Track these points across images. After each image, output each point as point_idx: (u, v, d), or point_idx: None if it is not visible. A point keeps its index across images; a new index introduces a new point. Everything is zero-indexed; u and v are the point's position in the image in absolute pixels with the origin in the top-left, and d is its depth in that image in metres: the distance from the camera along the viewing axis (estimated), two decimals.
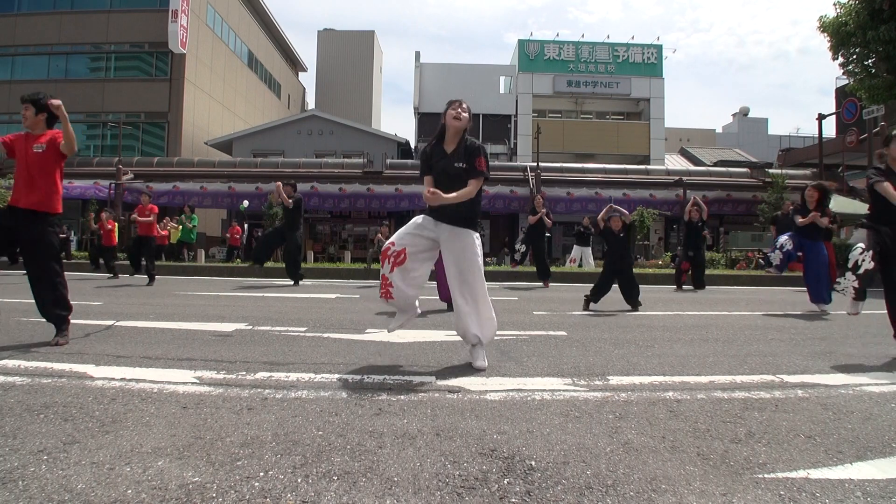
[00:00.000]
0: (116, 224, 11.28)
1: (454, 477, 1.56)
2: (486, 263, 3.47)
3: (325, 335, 3.95)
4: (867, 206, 3.83)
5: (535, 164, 20.92)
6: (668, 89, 77.25)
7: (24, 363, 2.90)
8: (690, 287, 9.32)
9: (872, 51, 13.87)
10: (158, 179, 21.01)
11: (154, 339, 3.68)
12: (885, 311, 3.58)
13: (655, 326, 4.69)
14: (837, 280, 3.74)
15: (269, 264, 13.53)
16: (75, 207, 21.27)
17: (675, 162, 30.02)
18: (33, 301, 3.48)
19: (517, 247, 10.51)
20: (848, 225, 13.61)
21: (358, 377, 2.69)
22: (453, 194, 2.84)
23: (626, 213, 6.20)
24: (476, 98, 27.47)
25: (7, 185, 15.20)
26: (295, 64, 43.88)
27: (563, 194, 20.77)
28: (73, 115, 24.39)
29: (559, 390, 2.52)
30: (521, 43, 28.58)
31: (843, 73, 16.33)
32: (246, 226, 18.51)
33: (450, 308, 4.55)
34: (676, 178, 21.50)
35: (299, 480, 1.51)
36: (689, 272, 9.35)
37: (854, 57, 14.79)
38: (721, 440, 1.89)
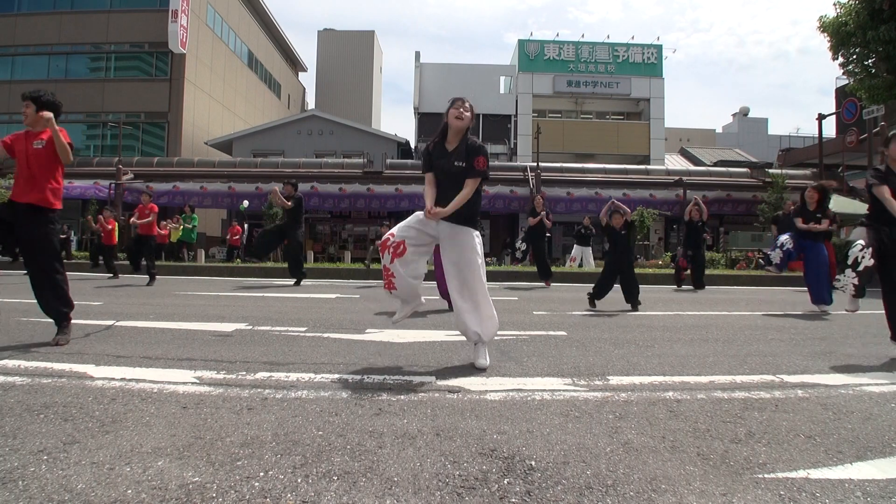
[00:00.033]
0: (117, 224, 11.26)
1: (454, 477, 1.56)
2: (486, 263, 3.46)
3: (325, 335, 3.95)
4: (867, 205, 3.83)
5: (535, 164, 20.93)
6: (668, 89, 77.35)
7: (24, 363, 2.89)
8: (690, 287, 9.32)
9: (872, 51, 13.87)
10: (158, 179, 21.02)
11: (154, 339, 3.68)
12: (884, 311, 3.58)
13: (655, 326, 4.69)
14: (837, 277, 3.73)
15: (269, 264, 13.54)
16: (75, 207, 21.28)
17: (675, 162, 30.03)
18: (33, 301, 3.48)
19: (518, 245, 10.54)
20: (848, 225, 13.61)
21: (358, 377, 2.69)
22: (451, 204, 2.86)
23: (627, 210, 6.21)
24: (476, 98, 27.03)
25: (7, 185, 15.21)
26: (295, 64, 43.89)
27: (563, 194, 20.77)
28: (73, 115, 24.54)
29: (559, 390, 2.52)
30: (521, 43, 28.59)
31: (843, 73, 16.33)
32: (246, 226, 18.51)
33: (450, 306, 4.55)
34: (676, 178, 21.51)
35: (299, 480, 1.51)
36: (688, 271, 9.36)
37: (854, 57, 14.79)
38: (721, 440, 1.89)
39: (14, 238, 3.44)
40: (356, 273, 11.17)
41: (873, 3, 13.17)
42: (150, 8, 25.64)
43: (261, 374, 2.73)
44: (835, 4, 14.53)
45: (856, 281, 3.56)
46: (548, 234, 9.67)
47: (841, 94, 23.15)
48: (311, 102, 46.12)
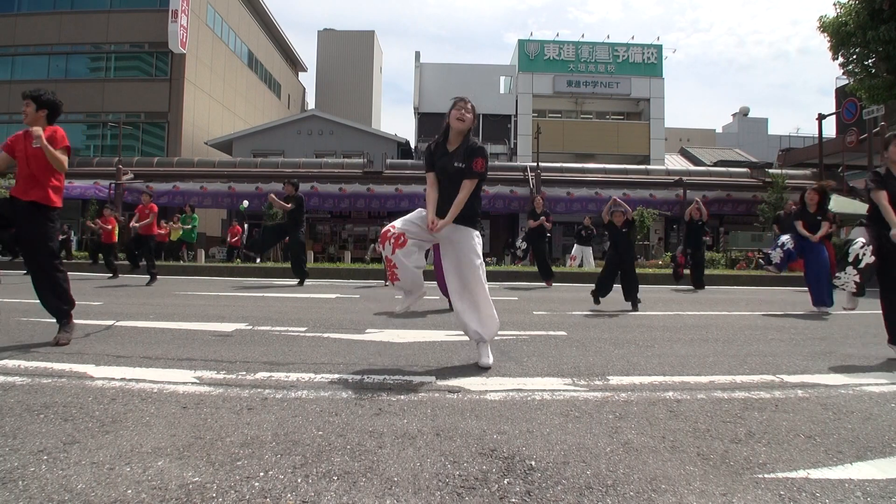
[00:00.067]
0: (117, 223, 11.26)
1: (454, 477, 1.56)
2: (486, 263, 3.47)
3: (325, 335, 3.95)
4: (867, 206, 3.82)
5: (535, 164, 20.93)
6: (668, 89, 77.34)
7: (24, 363, 2.89)
8: (690, 287, 9.33)
9: (872, 51, 13.88)
10: (158, 179, 21.02)
11: (154, 339, 3.68)
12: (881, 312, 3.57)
13: (655, 326, 4.69)
14: (837, 275, 3.70)
15: (268, 264, 13.54)
16: (75, 207, 21.28)
17: (675, 162, 30.03)
18: (33, 301, 3.48)
19: (518, 244, 10.56)
20: (848, 225, 13.61)
21: (358, 377, 2.69)
22: (450, 211, 2.88)
23: (628, 208, 6.24)
24: (476, 98, 26.89)
25: (7, 185, 15.21)
26: (295, 64, 43.89)
27: (563, 194, 20.78)
28: (73, 115, 24.54)
29: (559, 390, 2.52)
30: (521, 43, 28.59)
31: (843, 73, 16.34)
32: (246, 226, 18.52)
33: (451, 305, 4.55)
34: (676, 178, 21.51)
35: (299, 480, 1.51)
36: (687, 270, 9.40)
37: (854, 57, 14.80)
38: (721, 440, 1.89)
39: (12, 234, 3.44)
40: (356, 273, 11.17)
41: (873, 3, 13.17)
42: (150, 8, 25.65)
43: (261, 374, 2.73)
44: (835, 4, 14.54)
45: (857, 278, 3.55)
46: (548, 235, 9.70)
47: (841, 94, 23.15)
48: (311, 102, 46.14)
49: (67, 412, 2.07)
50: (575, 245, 15.00)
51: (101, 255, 10.94)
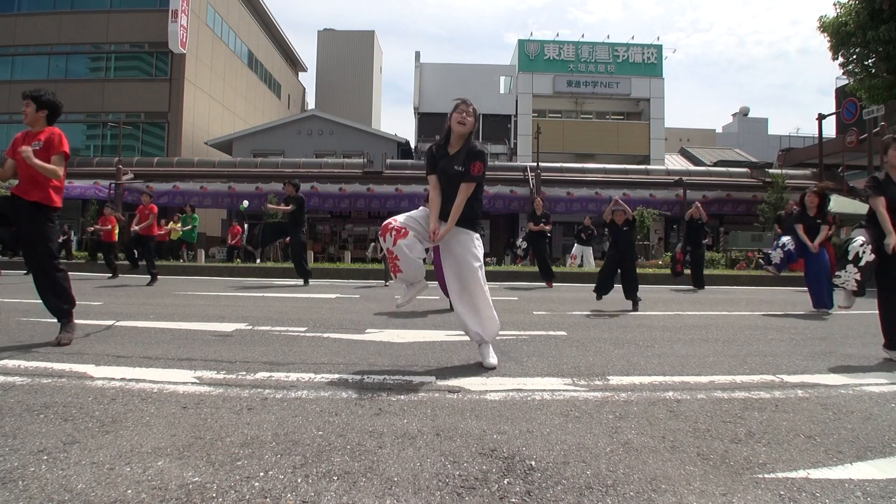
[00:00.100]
0: (117, 222, 11.26)
1: (454, 477, 1.56)
2: (486, 263, 3.47)
3: (325, 335, 3.95)
4: (867, 207, 3.82)
5: (535, 164, 20.93)
6: (668, 89, 77.33)
7: (24, 363, 2.89)
8: (690, 287, 9.34)
9: (872, 51, 13.88)
10: (158, 179, 21.02)
11: (154, 339, 3.68)
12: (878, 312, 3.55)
13: (655, 326, 4.70)
14: (837, 273, 3.68)
15: (268, 264, 13.54)
16: (75, 207, 21.28)
17: (675, 162, 30.03)
18: (33, 301, 3.49)
19: (518, 244, 10.59)
20: (848, 225, 13.60)
21: (358, 377, 2.69)
22: (450, 218, 2.89)
23: (629, 209, 6.29)
24: (476, 98, 26.74)
25: (8, 185, 15.20)
26: (295, 64, 43.89)
27: (563, 194, 20.78)
28: (73, 115, 24.53)
29: (559, 390, 2.52)
30: (521, 43, 28.58)
31: (843, 73, 16.34)
32: (246, 226, 18.51)
33: (452, 305, 4.56)
34: (676, 178, 21.50)
35: (299, 480, 1.51)
36: (687, 270, 9.44)
37: (854, 57, 14.80)
38: (721, 440, 1.89)
39: (12, 232, 3.44)
40: (356, 273, 11.17)
41: (873, 3, 13.17)
42: (150, 8, 25.64)
43: (261, 374, 2.73)
44: (835, 4, 14.54)
45: (858, 276, 3.53)
46: (548, 236, 9.75)
47: (841, 94, 23.15)
48: (311, 102, 46.13)
49: (67, 412, 2.07)
50: (575, 244, 15.03)
51: (100, 254, 10.93)
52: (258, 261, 16.02)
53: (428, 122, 28.05)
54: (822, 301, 6.05)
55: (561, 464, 1.66)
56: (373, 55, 48.37)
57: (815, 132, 19.65)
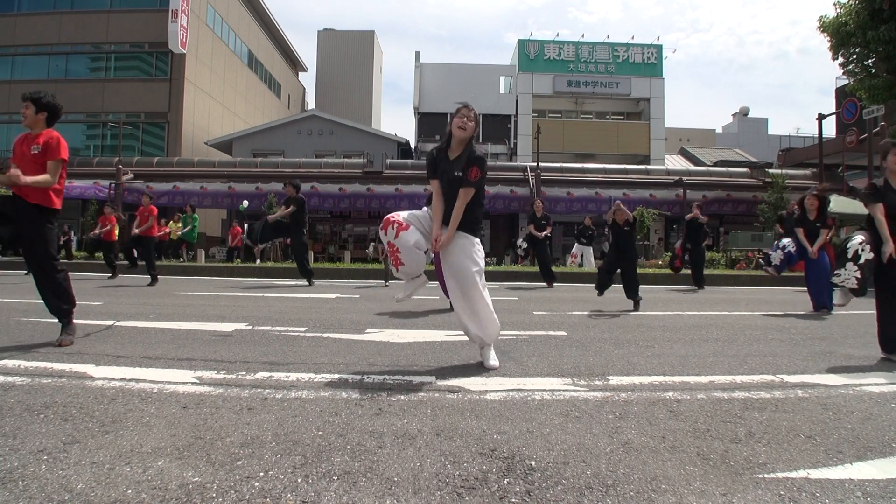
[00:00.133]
0: (117, 222, 11.26)
1: (454, 477, 1.56)
2: (486, 263, 3.46)
3: (325, 335, 3.95)
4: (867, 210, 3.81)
5: (535, 164, 20.92)
6: (668, 89, 77.42)
7: (24, 363, 2.89)
8: (691, 287, 9.34)
9: (872, 51, 13.88)
10: (158, 179, 21.01)
11: (154, 339, 3.68)
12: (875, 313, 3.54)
13: (655, 326, 4.69)
14: (836, 272, 3.66)
15: (269, 264, 13.54)
16: (75, 207, 21.28)
17: (675, 162, 30.02)
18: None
19: (519, 243, 10.64)
20: (848, 225, 13.61)
21: (358, 377, 2.69)
22: (451, 224, 2.90)
23: (629, 213, 6.36)
24: (476, 98, 27.43)
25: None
26: (295, 64, 43.88)
27: (563, 194, 20.78)
28: (73, 115, 24.51)
29: (559, 390, 2.52)
30: (521, 43, 28.58)
31: (843, 73, 16.34)
32: (246, 226, 18.51)
33: (452, 305, 4.56)
34: (676, 178, 21.49)
35: (299, 480, 1.51)
36: (685, 266, 9.52)
37: (854, 57, 14.80)
38: (721, 440, 1.89)
39: (11, 232, 3.44)
40: (356, 273, 11.17)
41: (873, 3, 13.17)
42: (150, 8, 25.63)
43: (261, 374, 2.73)
44: (835, 4, 14.54)
45: (858, 274, 3.51)
46: (548, 239, 9.80)
47: (841, 94, 23.13)
48: (311, 102, 46.12)
49: (67, 412, 2.07)
50: (576, 244, 15.05)
51: (98, 253, 10.92)
52: (258, 261, 16.02)
53: (428, 122, 28.06)
54: (823, 302, 6.05)
55: (561, 464, 1.66)
56: (373, 55, 48.36)
57: (815, 132, 19.64)
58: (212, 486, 1.46)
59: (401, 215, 2.97)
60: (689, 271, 9.58)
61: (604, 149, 27.83)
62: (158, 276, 8.90)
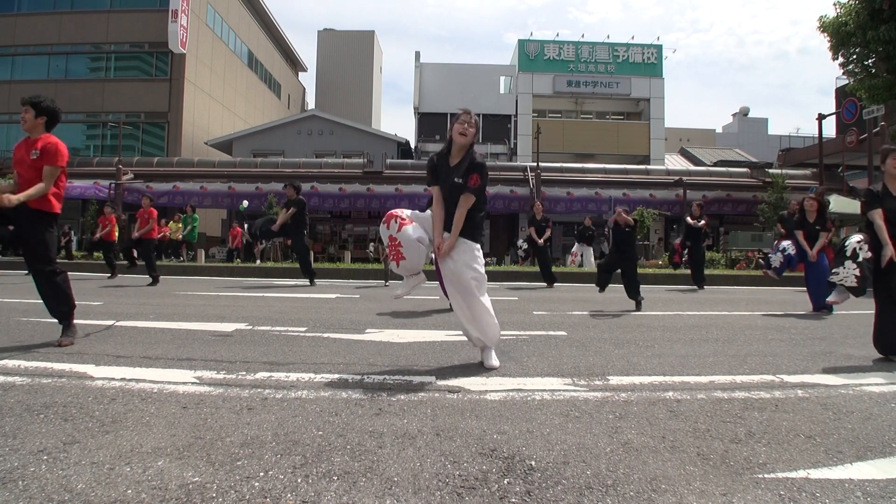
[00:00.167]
0: (117, 222, 11.26)
1: (454, 477, 1.56)
2: (486, 263, 3.46)
3: (325, 335, 3.95)
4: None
5: (535, 164, 20.92)
6: (668, 89, 77.43)
7: (24, 363, 2.90)
8: (691, 287, 9.34)
9: (872, 51, 13.87)
10: (158, 179, 21.01)
11: (154, 339, 3.68)
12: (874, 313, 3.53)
13: (655, 326, 4.70)
14: (835, 270, 3.65)
15: (269, 264, 13.54)
16: (75, 207, 21.28)
17: (675, 162, 30.02)
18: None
19: (519, 244, 10.66)
20: (848, 225, 13.61)
21: (358, 377, 2.69)
22: (452, 231, 2.90)
23: (630, 219, 6.42)
24: (476, 98, 27.49)
25: (7, 184, 15.18)
26: (295, 64, 43.88)
27: (563, 194, 20.77)
28: (73, 115, 24.51)
29: (559, 390, 2.52)
30: (521, 43, 28.58)
31: (843, 73, 16.33)
32: (245, 226, 18.52)
33: (452, 306, 4.57)
34: (676, 178, 21.50)
35: (299, 480, 1.51)
36: (684, 265, 9.54)
37: (854, 57, 14.79)
38: (721, 440, 1.89)
39: (11, 233, 3.44)
40: (356, 273, 11.17)
41: (873, 3, 13.16)
42: (150, 8, 25.63)
43: (261, 374, 2.73)
44: (835, 4, 14.53)
45: (857, 272, 3.51)
46: (549, 241, 9.84)
47: (841, 94, 23.13)
48: (311, 102, 46.12)
49: (67, 412, 2.07)
50: (576, 243, 15.06)
51: (96, 254, 10.92)
52: (258, 261, 16.03)
53: (428, 122, 28.06)
54: (822, 303, 6.05)
55: (561, 464, 1.66)
56: (373, 55, 48.36)
57: (815, 132, 19.64)
58: (212, 486, 1.46)
59: (404, 212, 2.98)
60: (688, 271, 9.58)
61: (604, 149, 27.84)
62: (159, 278, 8.89)
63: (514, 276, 11.06)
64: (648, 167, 24.30)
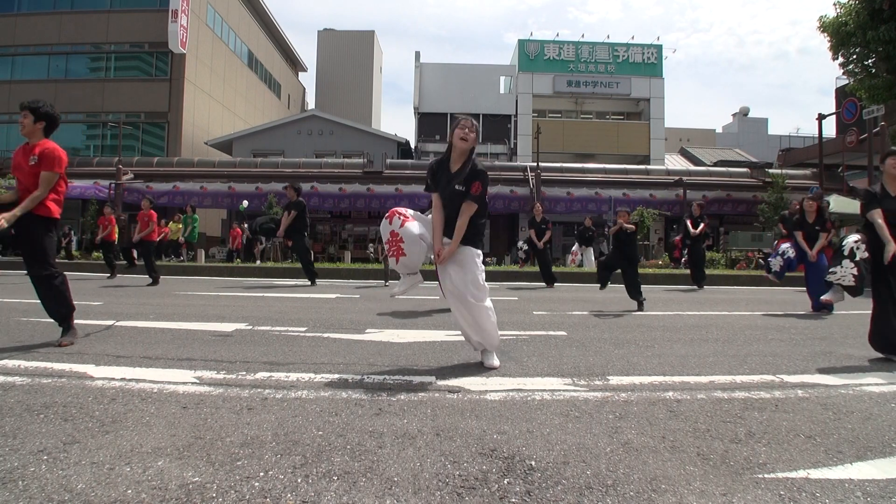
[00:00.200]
0: (117, 222, 11.26)
1: (454, 477, 1.56)
2: (486, 263, 3.46)
3: (325, 335, 3.95)
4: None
5: (535, 164, 20.92)
6: (668, 89, 77.46)
7: (24, 363, 2.90)
8: (691, 286, 9.34)
9: (872, 51, 13.87)
10: (158, 179, 21.01)
11: (154, 339, 3.68)
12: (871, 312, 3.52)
13: (655, 326, 4.70)
14: (832, 269, 3.64)
15: (269, 264, 13.54)
16: (75, 207, 21.28)
17: (675, 162, 30.03)
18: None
19: (519, 245, 10.67)
20: (848, 225, 13.60)
21: (358, 377, 2.69)
22: (454, 238, 2.90)
23: (631, 224, 6.46)
24: (476, 98, 27.51)
25: (7, 185, 15.22)
26: (295, 64, 43.88)
27: (563, 194, 20.78)
28: (73, 115, 24.51)
29: (559, 390, 2.52)
30: (521, 43, 28.58)
31: (843, 73, 16.34)
32: (245, 226, 18.53)
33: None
34: (676, 178, 21.51)
35: (299, 480, 1.51)
36: (684, 267, 9.55)
37: (854, 57, 14.79)
38: (721, 440, 1.89)
39: (11, 235, 3.44)
40: (356, 273, 11.17)
41: (873, 3, 13.17)
42: (150, 8, 25.63)
43: (261, 374, 2.73)
44: (835, 4, 14.53)
45: (855, 271, 3.50)
46: (549, 243, 9.85)
47: (841, 94, 23.13)
48: (311, 102, 46.13)
49: (67, 412, 2.07)
50: (576, 243, 15.08)
51: (96, 254, 10.92)
52: (258, 262, 16.03)
53: (428, 122, 28.06)
54: (822, 303, 6.04)
55: (561, 464, 1.66)
56: (373, 55, 48.36)
57: (815, 132, 19.64)
58: (212, 486, 1.46)
59: (407, 210, 2.98)
60: (688, 271, 9.58)
61: (604, 149, 27.84)
62: (160, 279, 8.89)
63: (514, 276, 11.06)
64: (648, 167, 24.30)
